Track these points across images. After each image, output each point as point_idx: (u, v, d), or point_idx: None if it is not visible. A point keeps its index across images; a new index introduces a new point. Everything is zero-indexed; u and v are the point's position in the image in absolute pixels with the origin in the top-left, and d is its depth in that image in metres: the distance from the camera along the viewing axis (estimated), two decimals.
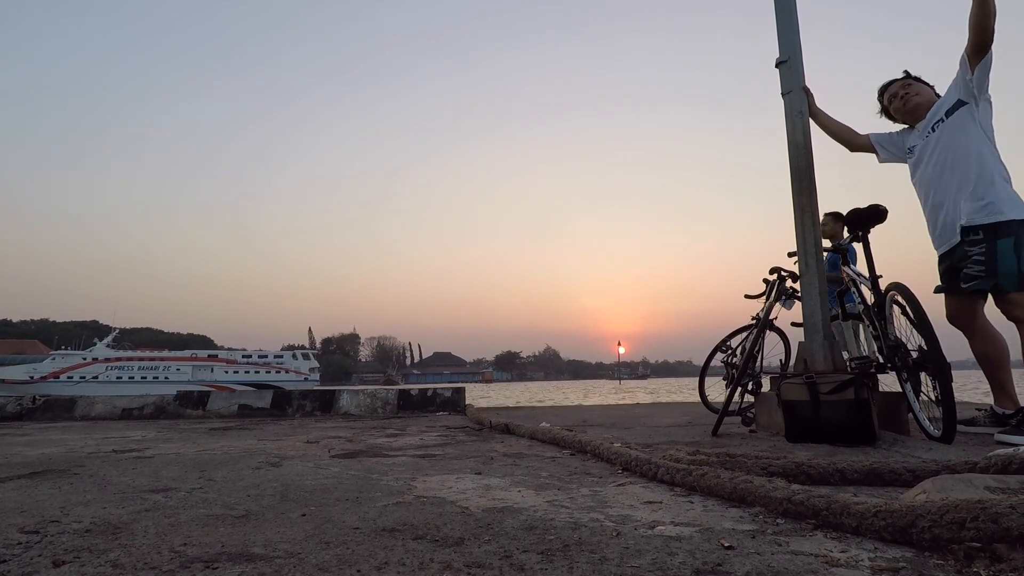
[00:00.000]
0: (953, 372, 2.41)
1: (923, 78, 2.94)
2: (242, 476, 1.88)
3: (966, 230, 2.55)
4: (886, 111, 3.01)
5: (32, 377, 46.69)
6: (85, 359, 49.50)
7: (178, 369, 50.98)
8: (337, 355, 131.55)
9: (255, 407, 5.25)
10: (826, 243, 2.97)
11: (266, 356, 55.21)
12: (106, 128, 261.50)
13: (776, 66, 3.06)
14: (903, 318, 2.67)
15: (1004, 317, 2.55)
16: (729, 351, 3.80)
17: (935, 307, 2.66)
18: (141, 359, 51.30)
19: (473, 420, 3.96)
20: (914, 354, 2.60)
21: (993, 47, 2.52)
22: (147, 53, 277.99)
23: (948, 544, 0.94)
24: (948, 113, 2.67)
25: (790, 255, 3.10)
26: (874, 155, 3.05)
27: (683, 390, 24.02)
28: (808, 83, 3.02)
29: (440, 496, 1.52)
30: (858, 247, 2.98)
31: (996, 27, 2.47)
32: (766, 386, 3.20)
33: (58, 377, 47.50)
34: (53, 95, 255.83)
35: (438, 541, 1.10)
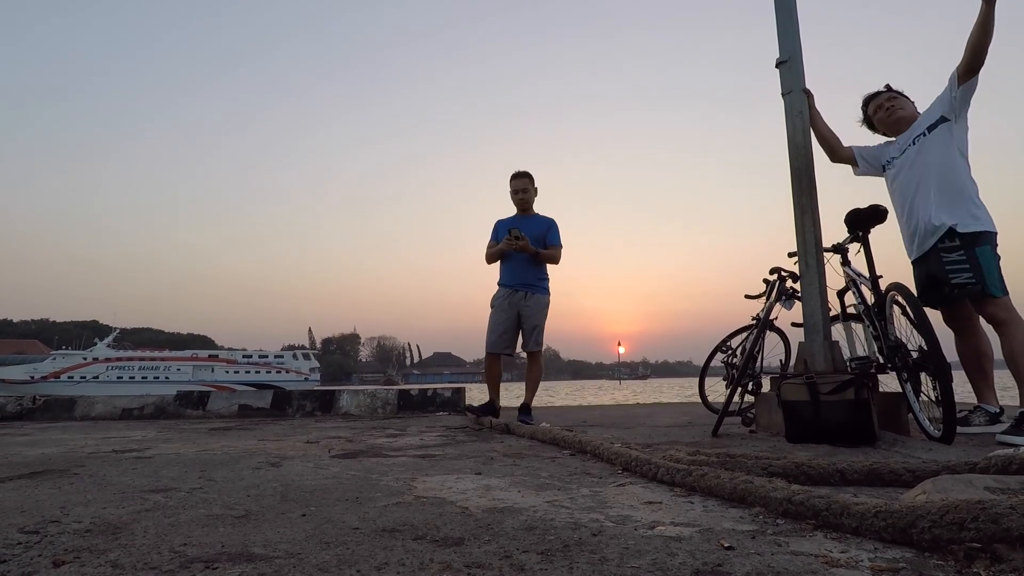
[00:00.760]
0: (953, 372, 2.42)
1: (905, 92, 3.08)
2: (242, 476, 1.88)
3: (944, 237, 2.68)
4: (869, 121, 3.16)
5: (32, 377, 46.69)
6: (85, 359, 49.50)
7: (178, 369, 50.98)
8: (337, 355, 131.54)
9: (255, 407, 5.25)
10: (826, 243, 2.97)
11: (266, 356, 55.20)
12: (106, 127, 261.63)
13: (776, 66, 3.06)
14: (903, 318, 2.67)
15: (984, 320, 2.69)
16: (729, 351, 3.80)
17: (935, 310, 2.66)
18: (141, 359, 51.30)
19: (473, 420, 3.96)
20: (914, 354, 2.60)
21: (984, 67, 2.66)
22: (145, 51, 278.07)
23: (948, 544, 0.94)
24: (930, 128, 2.80)
25: (790, 255, 3.10)
26: (852, 167, 3.15)
27: (683, 390, 24.02)
28: (808, 83, 3.02)
29: (440, 496, 1.52)
30: (858, 247, 2.98)
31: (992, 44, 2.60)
32: (766, 386, 3.20)
33: (58, 377, 47.51)
34: (52, 94, 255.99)
35: (438, 541, 1.10)
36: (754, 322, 3.51)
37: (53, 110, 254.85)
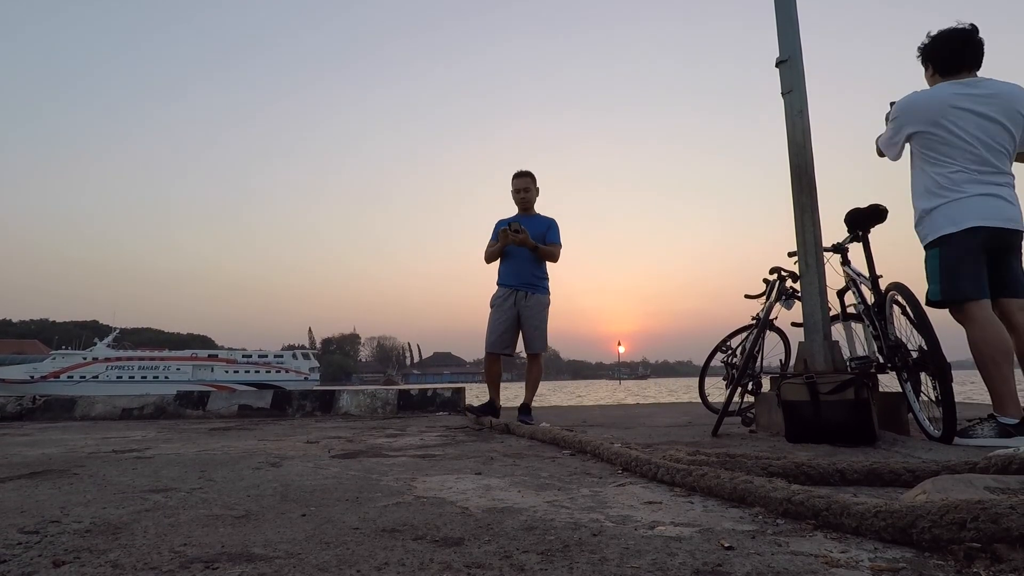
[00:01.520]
0: (953, 372, 2.42)
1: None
2: (242, 476, 1.88)
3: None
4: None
5: (32, 377, 46.70)
6: (85, 359, 49.51)
7: (178, 369, 50.99)
8: (337, 355, 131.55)
9: (255, 407, 5.25)
10: (826, 243, 2.97)
11: (266, 356, 55.20)
12: (105, 127, 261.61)
13: (776, 65, 3.05)
14: (903, 318, 2.67)
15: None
16: (729, 351, 3.80)
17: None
18: (141, 359, 51.32)
19: (473, 420, 3.96)
20: (914, 354, 2.60)
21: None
22: (143, 51, 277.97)
23: (948, 544, 0.94)
24: None
25: (790, 255, 3.10)
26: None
27: (683, 390, 24.03)
28: (808, 82, 3.02)
29: (440, 496, 1.52)
30: (858, 247, 2.98)
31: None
32: (766, 386, 3.20)
33: (58, 377, 47.52)
34: (51, 93, 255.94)
35: (438, 541, 1.10)
36: (754, 322, 3.51)
37: (53, 109, 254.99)
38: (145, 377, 49.62)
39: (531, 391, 3.89)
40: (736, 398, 3.23)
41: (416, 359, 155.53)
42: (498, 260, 3.98)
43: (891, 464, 1.56)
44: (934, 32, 2.64)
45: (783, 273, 3.36)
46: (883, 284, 2.85)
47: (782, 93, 3.03)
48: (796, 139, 2.96)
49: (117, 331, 55.93)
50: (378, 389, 5.63)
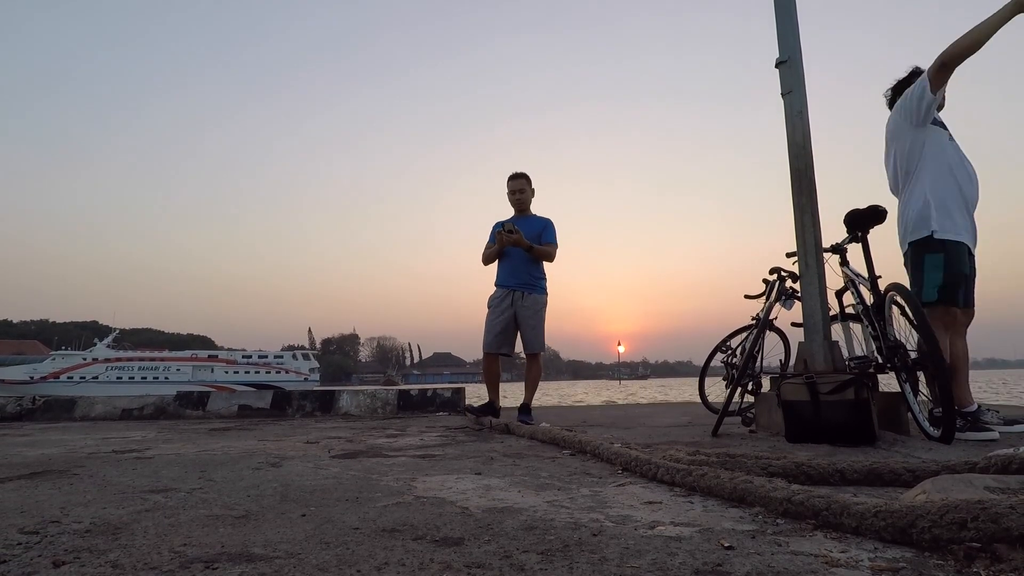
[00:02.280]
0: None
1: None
2: (242, 476, 1.88)
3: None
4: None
5: (32, 377, 46.71)
6: (85, 359, 49.52)
7: (178, 369, 51.00)
8: (337, 355, 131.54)
9: (255, 407, 5.25)
10: (826, 243, 2.98)
11: (266, 356, 55.21)
12: (105, 127, 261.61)
13: (776, 66, 3.06)
14: (902, 318, 2.67)
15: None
16: (729, 351, 3.80)
17: None
18: (141, 359, 51.32)
19: (473, 420, 3.96)
20: (913, 354, 2.61)
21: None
22: (142, 48, 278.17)
23: (948, 544, 0.94)
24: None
25: (789, 255, 3.10)
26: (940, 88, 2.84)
27: (683, 390, 24.02)
28: (808, 82, 3.02)
29: (440, 496, 1.52)
30: (857, 248, 2.98)
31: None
32: (766, 386, 3.20)
33: (58, 377, 47.53)
34: (49, 92, 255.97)
35: (438, 541, 1.10)
36: (754, 322, 3.51)
37: (52, 109, 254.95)
38: (145, 378, 49.62)
39: (531, 391, 3.90)
40: (736, 398, 3.24)
41: (416, 359, 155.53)
42: (496, 261, 3.99)
43: (891, 464, 1.56)
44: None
45: (783, 273, 3.36)
46: (882, 285, 2.85)
47: (782, 94, 3.03)
48: (796, 140, 2.96)
49: (117, 331, 55.93)
50: (378, 389, 5.63)
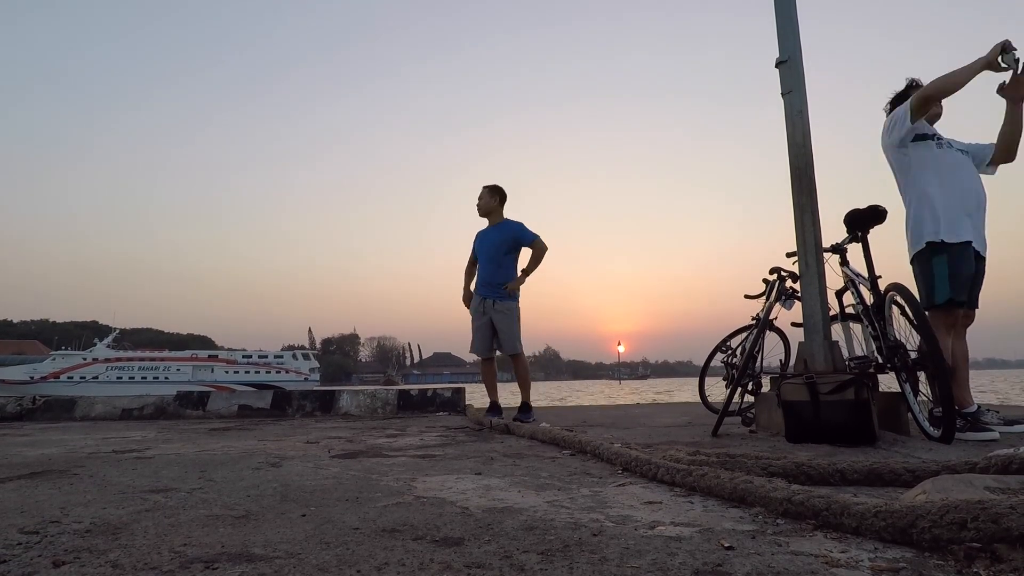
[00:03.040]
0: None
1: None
2: (242, 476, 1.89)
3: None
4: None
5: (32, 377, 46.69)
6: (85, 359, 49.50)
7: (178, 369, 50.99)
8: (337, 355, 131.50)
9: (255, 407, 5.25)
10: (826, 243, 2.98)
11: (266, 356, 55.20)
12: (105, 127, 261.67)
13: (776, 66, 3.06)
14: (902, 319, 2.67)
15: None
16: (729, 351, 3.81)
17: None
18: (141, 359, 51.30)
19: (473, 420, 3.96)
20: (913, 354, 2.61)
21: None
22: (141, 47, 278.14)
23: (948, 544, 0.94)
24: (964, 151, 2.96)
25: (789, 255, 3.10)
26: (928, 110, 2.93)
27: (683, 390, 24.03)
28: (808, 82, 3.02)
29: (440, 496, 1.52)
30: (857, 247, 2.98)
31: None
32: (766, 386, 3.20)
33: (58, 377, 47.51)
34: (46, 91, 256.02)
35: (438, 541, 1.10)
36: (754, 322, 3.51)
37: (52, 109, 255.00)
38: (145, 378, 49.60)
39: (525, 389, 3.99)
40: (736, 398, 3.24)
41: (416, 359, 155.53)
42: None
43: (891, 464, 1.56)
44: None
45: (783, 273, 3.36)
46: (882, 285, 2.85)
47: (782, 94, 3.03)
48: (796, 140, 2.96)
49: (117, 331, 55.92)
50: (378, 389, 5.63)
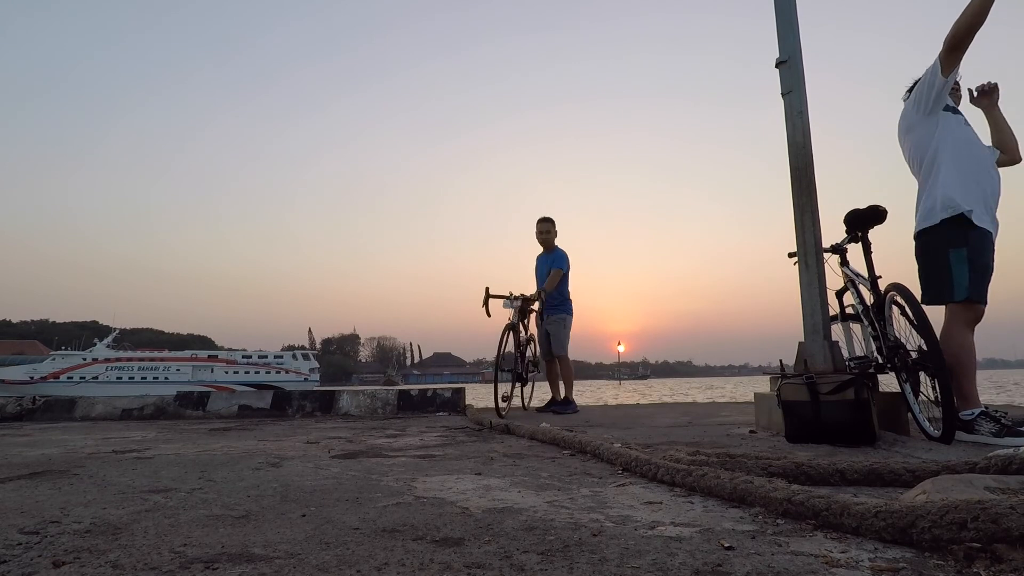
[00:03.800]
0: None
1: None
2: (242, 477, 1.88)
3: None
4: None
5: (32, 378, 46.70)
6: (85, 360, 49.51)
7: (178, 369, 50.99)
8: (337, 355, 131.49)
9: (255, 408, 5.24)
10: (826, 243, 2.97)
11: (266, 356, 55.19)
12: (105, 127, 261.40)
13: (776, 66, 3.06)
14: (902, 319, 2.67)
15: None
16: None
17: (934, 308, 2.67)
18: (141, 359, 51.32)
19: (473, 420, 3.96)
20: (913, 354, 2.60)
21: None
22: (141, 46, 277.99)
23: (948, 544, 0.94)
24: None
25: (790, 255, 3.10)
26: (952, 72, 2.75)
27: (683, 390, 24.00)
28: (808, 82, 3.01)
29: (440, 497, 1.52)
30: (857, 248, 2.98)
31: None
32: (762, 387, 3.19)
33: (58, 378, 47.52)
34: (47, 92, 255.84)
35: (438, 541, 1.10)
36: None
37: (51, 109, 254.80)
38: (145, 378, 49.61)
39: (568, 386, 5.11)
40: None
41: (416, 359, 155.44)
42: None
43: (891, 464, 1.56)
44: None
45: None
46: (882, 285, 2.85)
47: (782, 94, 3.03)
48: (796, 140, 2.96)
49: (117, 331, 55.93)
50: (378, 389, 5.63)
